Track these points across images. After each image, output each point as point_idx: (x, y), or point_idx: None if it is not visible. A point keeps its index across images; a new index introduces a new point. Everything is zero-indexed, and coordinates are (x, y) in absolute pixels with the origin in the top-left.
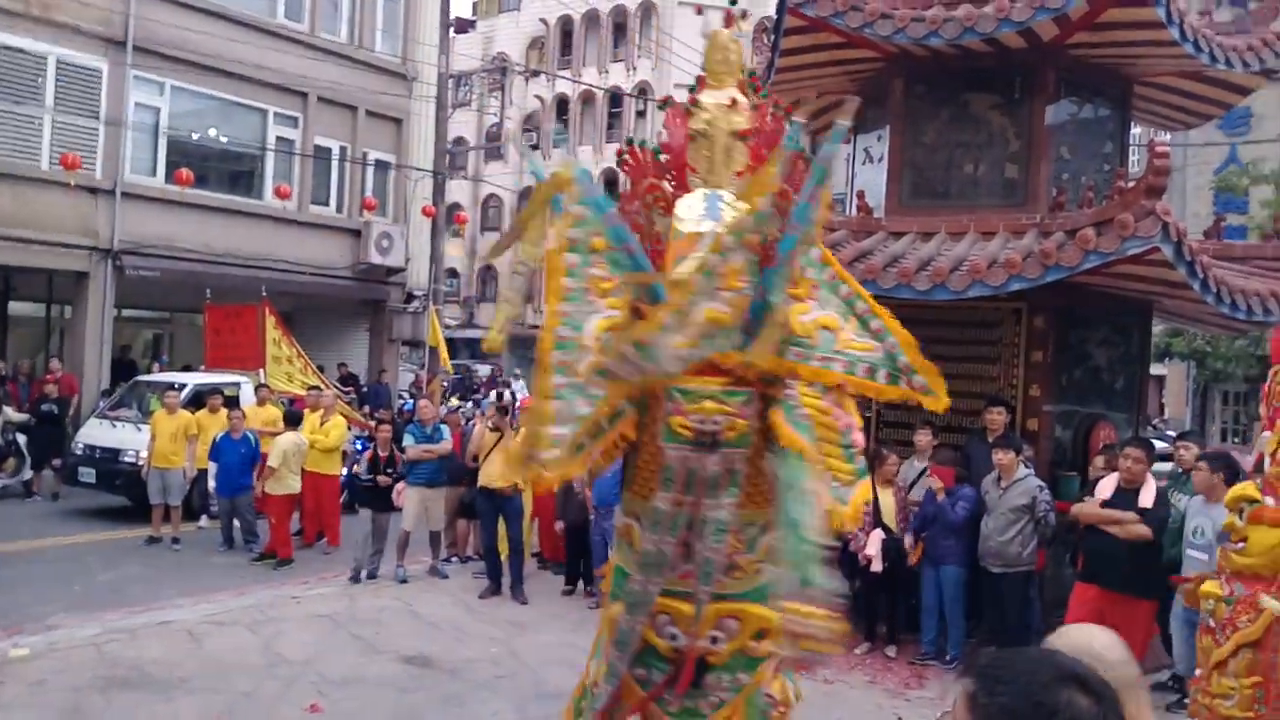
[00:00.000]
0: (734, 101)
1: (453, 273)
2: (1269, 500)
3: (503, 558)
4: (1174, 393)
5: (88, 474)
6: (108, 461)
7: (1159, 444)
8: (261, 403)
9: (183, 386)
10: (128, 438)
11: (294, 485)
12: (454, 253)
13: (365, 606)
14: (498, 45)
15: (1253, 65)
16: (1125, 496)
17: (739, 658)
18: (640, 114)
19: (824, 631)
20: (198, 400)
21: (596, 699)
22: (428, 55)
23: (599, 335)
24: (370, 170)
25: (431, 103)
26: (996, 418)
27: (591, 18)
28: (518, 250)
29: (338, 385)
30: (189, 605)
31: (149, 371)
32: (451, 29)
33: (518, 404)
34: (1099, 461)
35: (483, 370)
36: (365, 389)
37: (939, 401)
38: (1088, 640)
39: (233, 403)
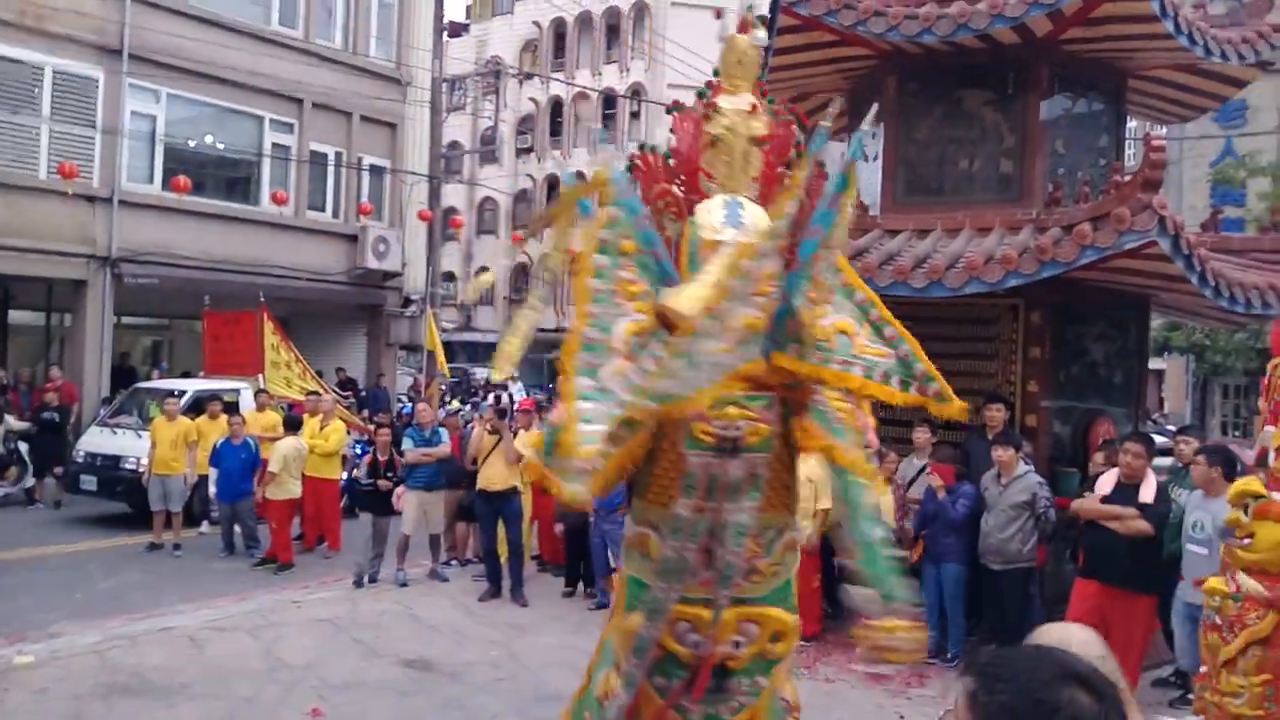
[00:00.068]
0: (754, 107)
1: (449, 276)
2: (1276, 495)
3: (502, 560)
4: (1173, 387)
5: (89, 481)
6: (109, 469)
7: (1159, 439)
8: (261, 408)
9: (182, 393)
10: (128, 445)
11: (295, 490)
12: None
13: (366, 610)
14: (491, 49)
15: (1248, 57)
16: (1125, 492)
17: (758, 661)
18: (634, 115)
19: (910, 643)
20: (197, 407)
21: (608, 710)
22: (421, 60)
23: (627, 339)
24: (366, 175)
25: (426, 107)
26: (995, 414)
27: (584, 20)
28: (542, 258)
29: (336, 390)
30: (190, 611)
31: (148, 378)
32: (445, 33)
33: (515, 406)
34: (1099, 457)
35: (480, 373)
36: (364, 393)
37: (954, 408)
38: (1065, 637)
39: (232, 408)
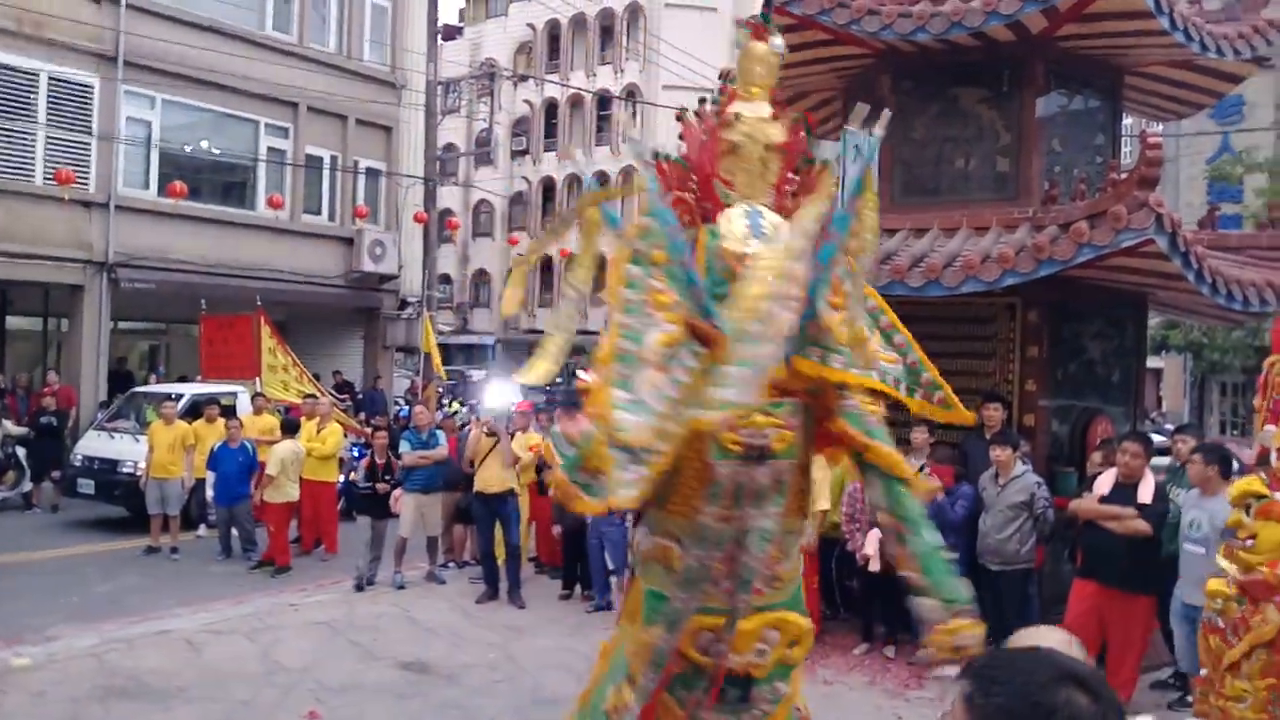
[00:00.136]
0: (774, 114)
1: (446, 278)
2: (1278, 495)
3: (500, 563)
4: (1171, 385)
5: (86, 485)
6: (106, 473)
7: (1158, 438)
8: (258, 411)
9: (179, 397)
10: (126, 449)
11: (292, 493)
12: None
13: (363, 613)
14: (485, 51)
15: (1244, 53)
16: (1124, 492)
17: (779, 667)
18: (632, 116)
19: (975, 639)
20: (194, 410)
21: None
22: (416, 63)
23: (659, 350)
24: (361, 178)
25: (421, 110)
26: (993, 414)
27: (578, 21)
28: (568, 268)
29: (333, 393)
30: (187, 614)
31: (145, 383)
32: (439, 36)
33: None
34: (1096, 457)
35: (477, 375)
36: (360, 396)
37: (961, 415)
38: (1037, 641)
39: (229, 412)
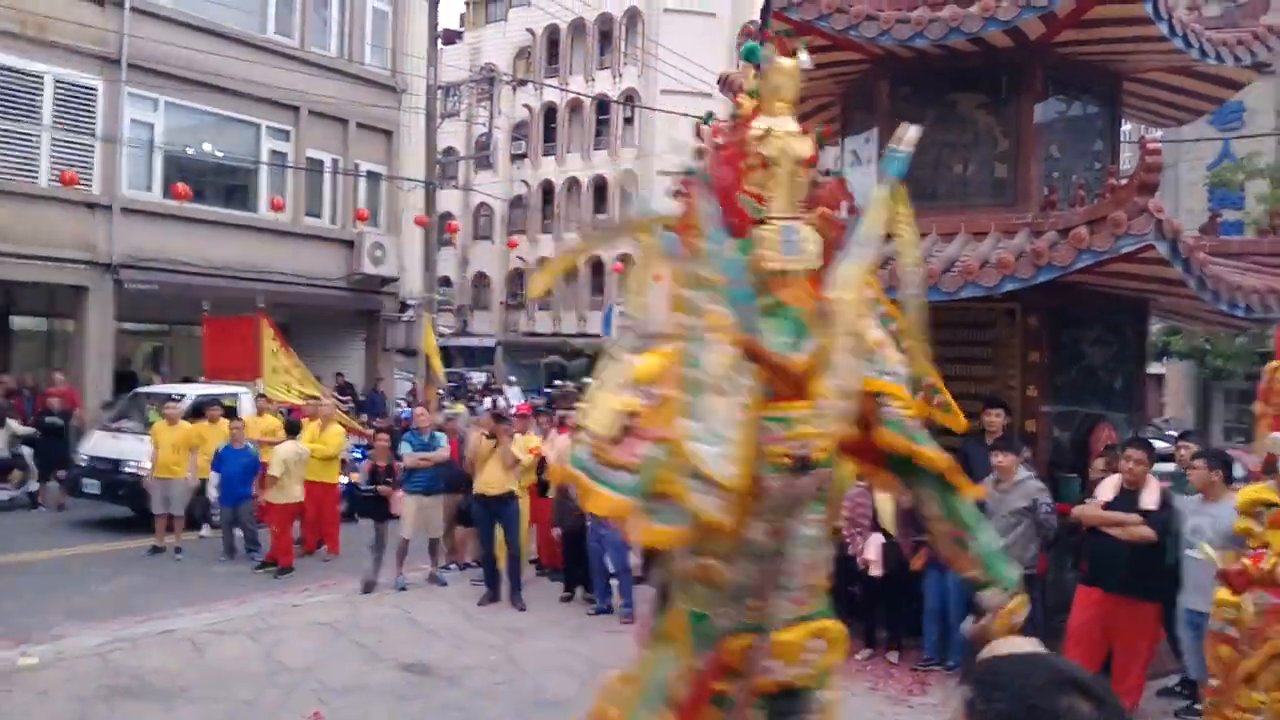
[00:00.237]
0: (804, 129)
1: (446, 281)
2: None
3: (500, 565)
4: (1174, 392)
5: (91, 485)
6: (111, 473)
7: (1161, 444)
8: (260, 413)
9: (182, 397)
10: (130, 449)
11: (296, 494)
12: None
13: (365, 614)
14: (485, 56)
15: (1243, 59)
16: (1127, 498)
17: (823, 675)
18: (628, 121)
19: (1023, 613)
20: (197, 411)
21: None
22: (416, 67)
23: (720, 374)
24: (362, 181)
25: (421, 114)
26: (994, 419)
27: (578, 26)
28: (626, 301)
29: (334, 394)
30: (191, 614)
31: (149, 383)
32: (439, 41)
33: (513, 411)
34: (1099, 463)
35: (477, 378)
36: (362, 398)
37: (957, 421)
38: (1011, 651)
39: (232, 413)
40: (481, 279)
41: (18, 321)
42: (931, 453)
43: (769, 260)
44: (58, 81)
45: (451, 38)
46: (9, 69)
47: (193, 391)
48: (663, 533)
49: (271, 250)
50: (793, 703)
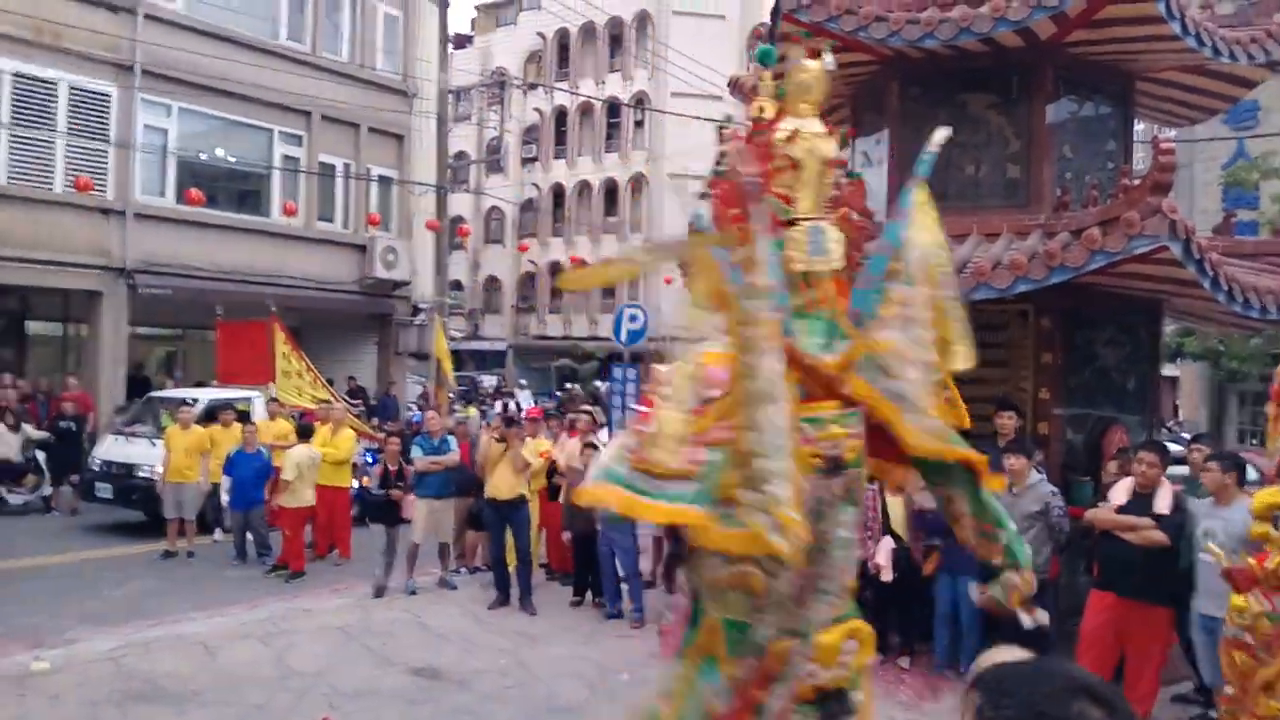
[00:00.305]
0: (831, 130)
1: (457, 285)
2: None
3: (511, 569)
4: (1188, 394)
5: (105, 489)
6: (124, 477)
7: (1175, 447)
8: (272, 417)
9: (195, 402)
10: (143, 453)
11: (308, 497)
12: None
13: (376, 618)
14: (496, 60)
15: (1257, 58)
16: (1140, 502)
17: (856, 676)
18: (639, 124)
19: (1034, 587)
20: (210, 415)
21: None
22: (427, 72)
23: (774, 380)
24: (374, 186)
25: (432, 118)
26: (1006, 422)
27: (588, 30)
28: (687, 315)
29: (346, 398)
30: (203, 618)
31: (162, 388)
32: (450, 45)
33: (522, 414)
34: (1112, 467)
35: (488, 381)
36: (374, 402)
37: (960, 417)
38: (1000, 660)
39: (244, 417)
40: (492, 283)
41: (33, 326)
42: (961, 450)
43: (796, 261)
44: (72, 88)
45: (462, 42)
46: (24, 76)
47: (205, 396)
48: (737, 537)
49: (284, 255)
50: (841, 704)
